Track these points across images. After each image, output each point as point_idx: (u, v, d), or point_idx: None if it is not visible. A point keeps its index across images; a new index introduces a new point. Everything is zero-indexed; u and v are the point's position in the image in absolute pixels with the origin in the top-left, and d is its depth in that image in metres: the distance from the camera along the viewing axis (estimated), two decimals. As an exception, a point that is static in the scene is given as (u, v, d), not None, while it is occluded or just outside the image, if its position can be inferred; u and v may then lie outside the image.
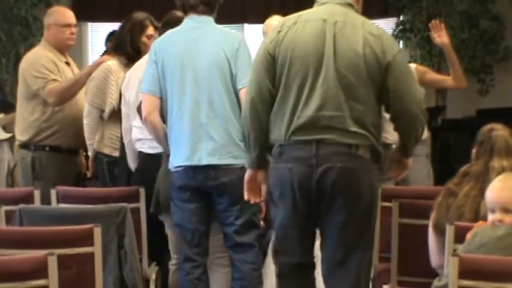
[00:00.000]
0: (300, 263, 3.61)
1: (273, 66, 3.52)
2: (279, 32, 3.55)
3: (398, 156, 3.69)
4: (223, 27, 4.17)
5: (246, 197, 3.69)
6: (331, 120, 3.42)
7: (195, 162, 3.96)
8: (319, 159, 3.43)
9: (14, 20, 8.39)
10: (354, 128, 3.41)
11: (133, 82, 4.67)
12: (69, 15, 5.34)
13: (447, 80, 5.52)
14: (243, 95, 3.81)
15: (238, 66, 3.95)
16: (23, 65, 5.26)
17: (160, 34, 4.60)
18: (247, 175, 3.67)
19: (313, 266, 3.67)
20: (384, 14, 8.98)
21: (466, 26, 8.47)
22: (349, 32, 3.46)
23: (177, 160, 4.01)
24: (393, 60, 3.45)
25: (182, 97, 3.98)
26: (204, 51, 3.98)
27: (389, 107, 3.51)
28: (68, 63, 5.34)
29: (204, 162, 3.95)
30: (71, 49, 5.39)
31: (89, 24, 9.36)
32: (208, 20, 4.08)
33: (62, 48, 5.29)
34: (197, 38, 4.02)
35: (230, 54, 3.98)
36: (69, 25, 5.26)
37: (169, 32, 4.17)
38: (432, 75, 5.62)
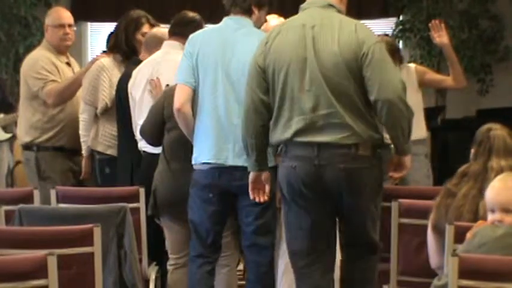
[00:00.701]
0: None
1: (264, 78, 3.65)
2: (266, 43, 3.67)
3: (395, 158, 3.72)
4: (259, 30, 4.19)
5: (251, 196, 3.77)
6: (328, 117, 3.51)
7: (221, 161, 3.97)
8: (321, 159, 3.53)
9: (13, 19, 8.37)
10: (352, 121, 3.50)
11: (140, 81, 4.69)
12: (64, 16, 5.33)
13: (447, 80, 5.53)
14: None
15: None
16: (24, 66, 5.27)
17: (170, 33, 4.63)
18: (251, 176, 3.76)
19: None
20: (384, 14, 8.97)
21: (465, 26, 8.46)
22: (326, 34, 3.56)
23: (203, 157, 4.02)
24: (369, 51, 3.52)
25: (214, 95, 3.99)
26: (236, 53, 4.00)
27: (371, 98, 3.54)
28: (69, 64, 5.34)
29: (230, 163, 3.97)
30: (69, 49, 5.38)
31: (89, 24, 9.32)
32: (246, 22, 4.08)
33: (60, 48, 5.29)
34: (233, 39, 4.03)
35: None
36: (62, 25, 5.25)
37: (208, 28, 4.24)
38: (432, 75, 5.63)
